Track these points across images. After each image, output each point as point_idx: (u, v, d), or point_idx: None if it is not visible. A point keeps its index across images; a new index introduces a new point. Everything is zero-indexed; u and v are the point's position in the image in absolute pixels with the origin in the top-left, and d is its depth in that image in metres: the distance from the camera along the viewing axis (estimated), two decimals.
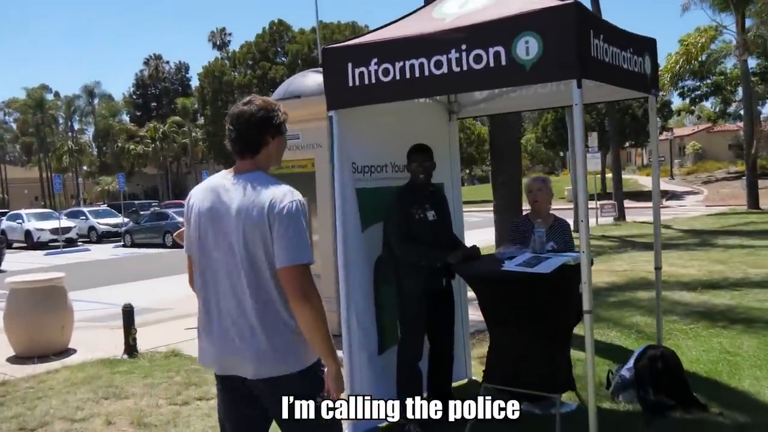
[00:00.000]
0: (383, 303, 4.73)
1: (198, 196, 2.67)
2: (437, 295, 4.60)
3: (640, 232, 19.13)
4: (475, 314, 6.26)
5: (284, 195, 2.49)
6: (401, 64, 3.99)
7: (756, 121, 29.33)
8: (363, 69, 4.14)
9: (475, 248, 4.52)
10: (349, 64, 4.20)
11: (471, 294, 4.91)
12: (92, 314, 11.07)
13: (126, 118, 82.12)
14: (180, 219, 24.41)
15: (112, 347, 7.92)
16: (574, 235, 4.78)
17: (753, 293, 8.91)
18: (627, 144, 46.03)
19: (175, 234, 10.38)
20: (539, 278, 3.78)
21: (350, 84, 4.20)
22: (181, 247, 2.80)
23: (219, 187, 2.61)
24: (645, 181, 48.54)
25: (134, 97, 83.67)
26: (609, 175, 42.37)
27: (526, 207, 7.35)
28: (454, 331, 4.91)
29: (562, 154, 67.00)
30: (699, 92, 51.99)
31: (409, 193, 4.58)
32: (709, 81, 49.68)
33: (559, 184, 34.90)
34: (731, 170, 48.29)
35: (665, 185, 39.70)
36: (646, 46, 4.62)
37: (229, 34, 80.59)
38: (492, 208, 7.80)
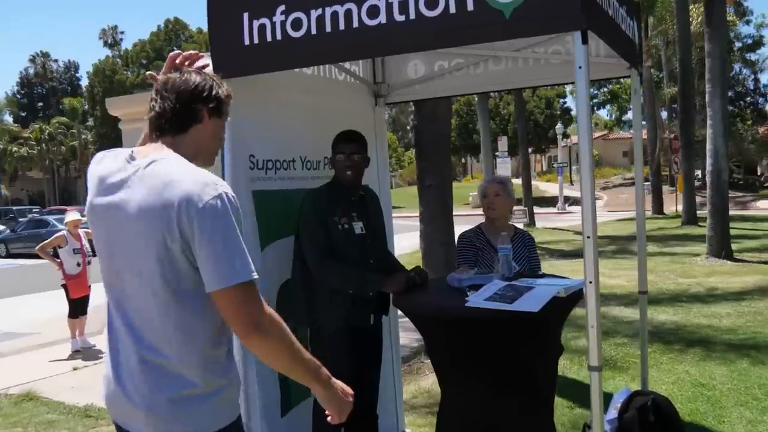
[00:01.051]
0: None
1: (93, 179, 1.99)
2: (361, 336, 3.41)
3: (554, 239, 18.64)
4: (405, 335, 5.12)
5: (204, 186, 1.79)
6: (319, 12, 2.76)
7: (659, 127, 29.76)
8: (265, 21, 2.88)
9: (421, 272, 3.33)
10: (245, 15, 2.93)
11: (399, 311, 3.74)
12: None
13: (9, 118, 76.96)
14: (60, 226, 22.11)
15: None
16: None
17: (696, 308, 8.19)
18: (530, 150, 46.61)
19: (37, 247, 8.68)
20: (521, 318, 2.62)
21: (246, 42, 2.94)
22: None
23: (118, 173, 1.92)
24: (545, 187, 49.15)
25: (18, 96, 78.64)
26: (515, 180, 42.50)
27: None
28: (381, 371, 3.73)
29: (464, 160, 67.32)
30: (596, 100, 53.47)
31: (330, 197, 3.36)
32: (605, 89, 51.16)
33: (460, 190, 34.33)
34: (627, 176, 49.68)
35: (566, 191, 40.04)
36: (633, 9, 3.60)
37: (122, 32, 77.59)
38: (413, 215, 6.70)
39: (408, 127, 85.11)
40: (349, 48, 2.80)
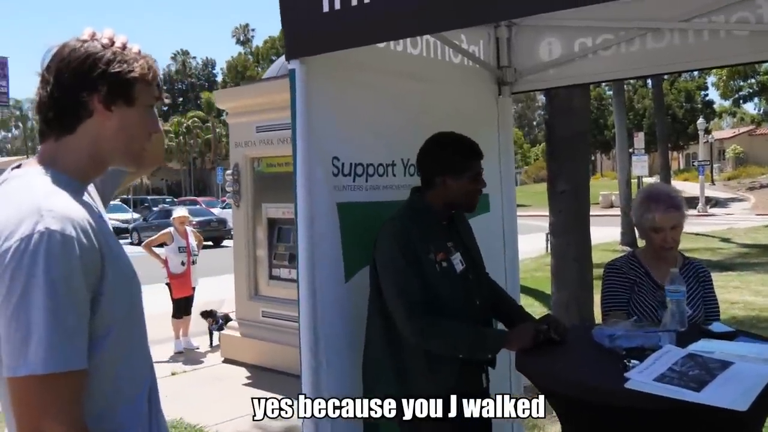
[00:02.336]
0: (381, 414, 2.69)
1: None
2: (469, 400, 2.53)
3: (697, 246, 16.86)
4: None
5: (20, 221, 1.25)
6: None
7: None
8: None
9: (553, 321, 2.42)
10: None
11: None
12: None
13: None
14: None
15: None
16: None
17: None
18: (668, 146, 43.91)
19: (143, 244, 8.43)
20: (712, 410, 1.72)
21: (326, 8, 2.21)
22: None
23: None
24: (683, 186, 45.87)
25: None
26: (647, 179, 39.96)
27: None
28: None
29: (593, 157, 64.20)
30: (742, 93, 49.60)
31: (421, 226, 2.49)
32: (753, 81, 47.32)
33: (592, 189, 32.29)
34: None
35: (708, 191, 37.14)
36: None
37: (253, 30, 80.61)
38: (539, 213, 5.79)
39: (534, 123, 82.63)
40: (462, 11, 1.99)
